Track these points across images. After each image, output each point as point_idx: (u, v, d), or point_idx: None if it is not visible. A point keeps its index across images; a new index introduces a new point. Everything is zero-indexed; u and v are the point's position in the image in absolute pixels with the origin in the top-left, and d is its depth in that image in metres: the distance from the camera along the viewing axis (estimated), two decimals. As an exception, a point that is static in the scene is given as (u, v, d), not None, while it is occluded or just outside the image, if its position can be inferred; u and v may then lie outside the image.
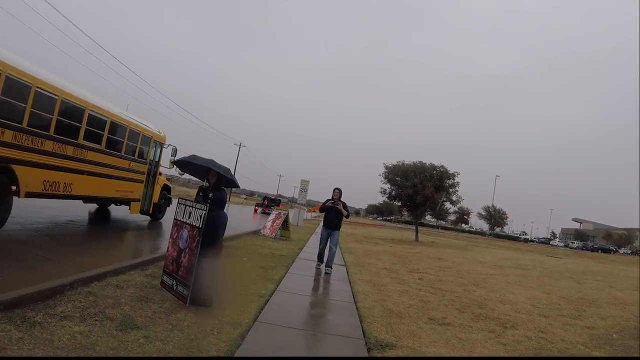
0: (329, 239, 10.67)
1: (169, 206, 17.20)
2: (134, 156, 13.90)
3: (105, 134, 11.96)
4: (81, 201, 12.42)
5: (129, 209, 14.29)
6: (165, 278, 6.00)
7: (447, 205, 30.85)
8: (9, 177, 8.57)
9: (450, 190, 29.24)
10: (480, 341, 5.52)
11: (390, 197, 31.16)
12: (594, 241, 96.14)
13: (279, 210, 20.60)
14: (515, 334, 6.01)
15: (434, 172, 28.94)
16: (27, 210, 11.33)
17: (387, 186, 30.60)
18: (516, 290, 9.96)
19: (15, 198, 8.89)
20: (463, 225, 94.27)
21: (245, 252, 11.15)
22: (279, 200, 60.94)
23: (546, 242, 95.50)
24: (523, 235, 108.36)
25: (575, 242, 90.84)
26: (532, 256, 25.82)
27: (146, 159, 14.79)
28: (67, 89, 10.10)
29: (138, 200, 14.53)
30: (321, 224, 11.53)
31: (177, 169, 7.18)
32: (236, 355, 4.10)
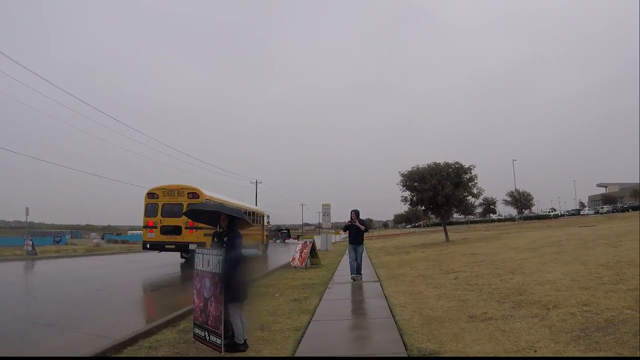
0: (355, 252, 12.38)
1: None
2: (256, 223, 26.49)
3: (251, 216, 24.71)
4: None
5: (258, 249, 27.01)
6: (197, 330, 5.93)
7: (470, 199, 30.41)
8: None
9: (470, 184, 28.89)
10: (525, 329, 5.37)
11: (412, 203, 30.89)
12: (623, 201, 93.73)
13: (305, 240, 20.57)
14: (559, 313, 5.85)
15: (450, 169, 28.62)
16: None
17: (407, 193, 30.37)
18: (553, 268, 9.72)
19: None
20: (491, 215, 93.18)
21: (276, 288, 11.06)
22: (288, 230, 70.83)
23: (576, 213, 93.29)
24: (553, 212, 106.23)
25: (604, 206, 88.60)
26: (564, 230, 25.28)
27: (259, 223, 28.29)
28: (237, 202, 24.97)
29: (259, 243, 27.43)
30: None
31: (189, 219, 7.15)
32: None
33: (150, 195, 18.73)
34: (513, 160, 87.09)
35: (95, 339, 6.10)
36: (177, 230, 17.52)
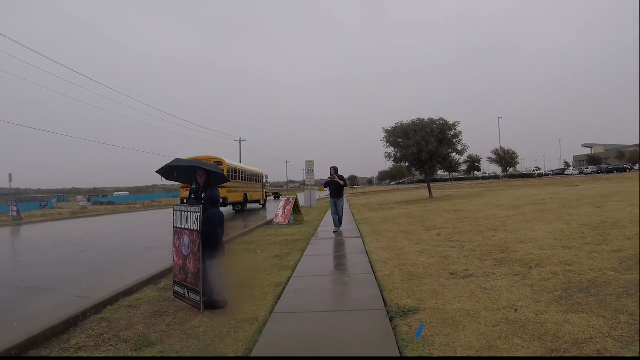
0: (336, 207, 13.20)
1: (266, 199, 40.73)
2: (258, 182, 34.38)
3: (252, 176, 31.77)
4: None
5: (260, 203, 35.70)
6: (176, 288, 5.87)
7: (454, 155, 30.25)
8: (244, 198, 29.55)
9: (454, 140, 28.71)
10: (506, 287, 5.33)
11: (396, 159, 30.67)
12: (608, 163, 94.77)
13: (288, 196, 20.50)
14: (541, 272, 5.81)
15: (434, 126, 28.32)
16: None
17: (390, 150, 30.12)
18: (536, 227, 9.71)
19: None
20: (476, 172, 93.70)
21: (258, 245, 11.00)
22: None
23: (561, 172, 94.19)
24: (537, 170, 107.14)
25: (589, 167, 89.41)
26: (549, 189, 25.42)
27: (260, 182, 35.39)
28: (246, 166, 32.43)
29: (260, 199, 35.68)
30: None
31: (162, 177, 6.83)
32: (252, 355, 3.95)
33: None
34: (499, 117, 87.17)
35: (77, 300, 6.00)
36: None
